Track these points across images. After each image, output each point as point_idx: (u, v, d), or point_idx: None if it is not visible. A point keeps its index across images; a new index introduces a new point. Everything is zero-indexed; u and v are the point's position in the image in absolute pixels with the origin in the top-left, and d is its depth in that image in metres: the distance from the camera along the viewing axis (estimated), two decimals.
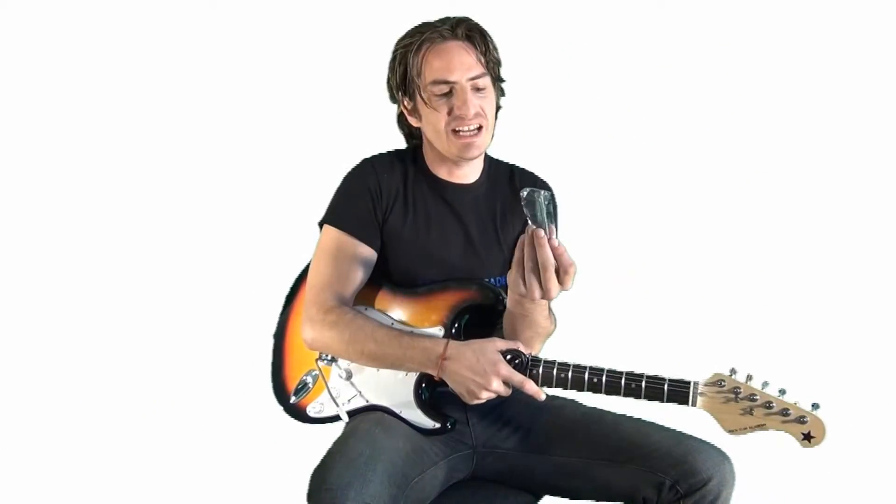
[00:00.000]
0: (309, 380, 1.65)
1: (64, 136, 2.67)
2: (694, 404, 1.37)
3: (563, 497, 1.60)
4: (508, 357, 1.44)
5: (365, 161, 1.67)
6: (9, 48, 2.61)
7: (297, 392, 1.66)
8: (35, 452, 2.51)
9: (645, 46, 2.54)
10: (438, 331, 1.55)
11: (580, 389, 1.43)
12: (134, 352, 2.64)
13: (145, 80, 2.66)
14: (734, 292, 2.43)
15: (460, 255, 1.62)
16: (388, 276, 1.64)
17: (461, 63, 1.54)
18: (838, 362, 2.34)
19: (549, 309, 1.51)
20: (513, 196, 1.67)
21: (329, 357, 1.62)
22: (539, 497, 1.63)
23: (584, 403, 1.62)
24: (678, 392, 1.37)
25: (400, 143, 1.72)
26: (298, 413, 1.66)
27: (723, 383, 1.36)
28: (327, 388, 1.60)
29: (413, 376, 1.56)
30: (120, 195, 2.68)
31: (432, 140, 1.61)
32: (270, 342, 1.73)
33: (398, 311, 1.60)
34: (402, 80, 1.59)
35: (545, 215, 1.32)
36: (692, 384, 1.37)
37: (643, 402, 1.42)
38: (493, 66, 1.58)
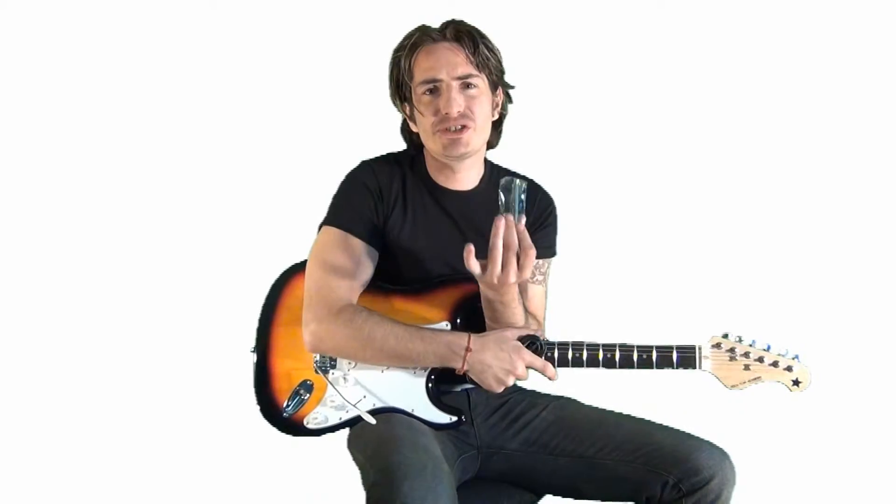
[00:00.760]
0: (302, 391, 1.60)
1: (62, 137, 2.63)
2: (701, 367, 1.50)
3: (566, 496, 1.64)
4: (527, 343, 1.50)
5: (364, 163, 1.65)
6: (9, 48, 2.58)
7: (290, 405, 1.59)
8: (25, 459, 2.49)
9: (644, 47, 2.61)
10: (445, 326, 1.58)
11: (595, 367, 1.51)
12: (124, 355, 2.59)
13: (144, 81, 2.62)
14: (705, 267, 2.55)
15: (456, 258, 1.61)
16: (382, 276, 1.62)
17: (447, 62, 1.55)
18: (807, 321, 2.45)
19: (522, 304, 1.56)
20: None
21: (326, 364, 1.58)
22: (540, 496, 1.68)
23: (584, 403, 1.69)
24: (687, 357, 1.50)
25: (397, 144, 1.70)
26: (292, 426, 1.60)
27: (721, 345, 1.51)
28: (339, 394, 1.56)
29: (422, 375, 1.57)
30: (118, 196, 2.63)
31: (425, 143, 1.62)
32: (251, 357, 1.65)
33: (400, 309, 1.59)
34: (399, 85, 1.60)
35: (517, 202, 1.40)
36: (697, 348, 1.51)
37: (641, 402, 1.53)
38: (488, 68, 1.58)
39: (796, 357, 1.52)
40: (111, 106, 2.62)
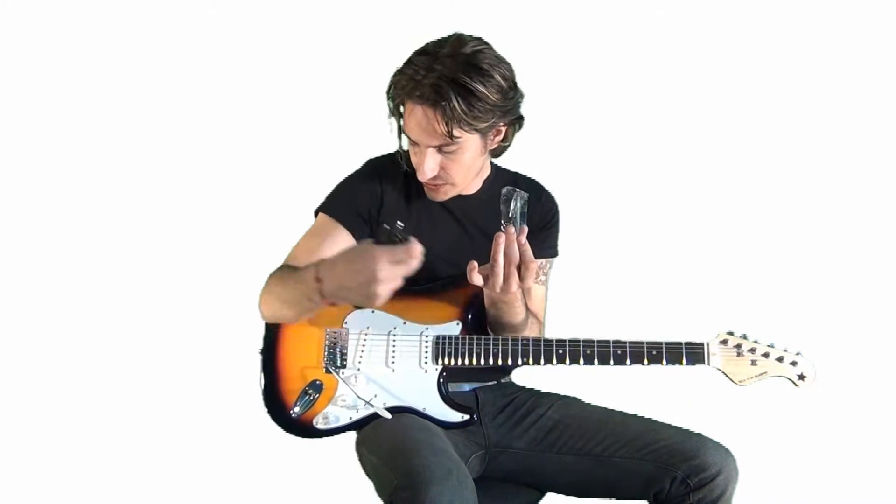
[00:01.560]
0: (311, 391, 1.59)
1: (61, 137, 2.62)
2: (709, 363, 1.53)
3: (573, 495, 1.64)
4: (382, 238, 1.35)
5: (370, 162, 1.66)
6: (9, 48, 2.58)
7: (298, 405, 1.58)
8: (36, 463, 2.49)
9: (647, 46, 2.62)
10: (456, 325, 1.59)
11: (606, 363, 1.53)
12: (132, 358, 2.58)
13: (143, 81, 2.62)
14: (709, 266, 2.57)
15: (462, 255, 1.59)
16: None
17: (423, 129, 1.49)
18: (809, 320, 2.47)
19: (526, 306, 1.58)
20: None
21: (336, 363, 1.57)
22: (544, 493, 1.68)
23: (587, 402, 1.70)
24: (696, 353, 1.53)
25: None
26: (301, 428, 1.59)
27: (727, 341, 1.55)
28: (353, 391, 1.55)
29: (433, 373, 1.57)
30: (122, 197, 2.63)
31: None
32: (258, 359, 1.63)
33: (408, 309, 1.60)
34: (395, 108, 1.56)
35: (518, 215, 1.43)
36: (705, 344, 1.54)
37: (640, 402, 1.55)
38: (477, 121, 1.48)
39: (799, 353, 1.55)
40: (109, 106, 2.62)
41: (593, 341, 1.54)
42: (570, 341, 1.54)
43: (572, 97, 2.57)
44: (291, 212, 1.72)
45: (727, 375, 1.54)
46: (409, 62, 1.51)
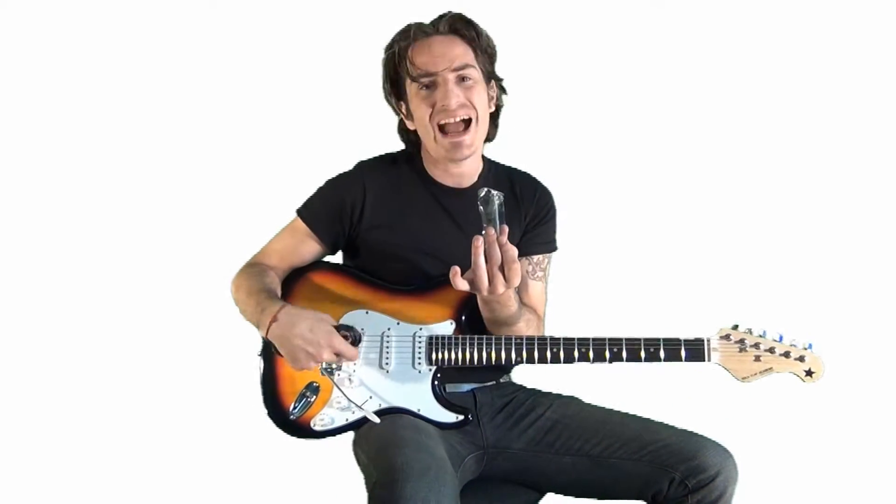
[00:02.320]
0: (308, 393, 1.59)
1: (59, 137, 2.64)
2: (709, 360, 1.47)
3: (572, 495, 1.62)
4: (342, 332, 1.50)
5: (359, 166, 1.65)
6: (9, 48, 2.60)
7: (297, 407, 1.58)
8: (37, 468, 2.51)
9: (641, 40, 2.60)
10: (450, 324, 1.56)
11: (602, 362, 1.49)
12: (131, 362, 2.60)
13: (140, 81, 2.63)
14: (710, 261, 2.53)
15: (456, 254, 1.58)
16: (384, 276, 1.62)
17: (443, 55, 1.54)
18: (821, 310, 2.44)
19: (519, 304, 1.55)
20: (510, 198, 1.66)
21: (332, 366, 1.57)
22: (543, 494, 1.66)
23: (586, 402, 1.67)
24: (695, 350, 1.47)
25: (392, 144, 1.70)
26: (299, 429, 1.59)
27: (730, 336, 1.48)
28: (345, 395, 1.55)
29: (427, 373, 1.55)
30: (121, 199, 2.65)
31: (424, 140, 1.61)
32: (258, 362, 1.64)
33: (402, 309, 1.58)
34: (393, 83, 1.60)
35: (497, 215, 1.39)
36: (706, 340, 1.48)
37: (642, 399, 1.52)
38: (486, 54, 1.58)
39: (809, 346, 1.48)
40: (108, 106, 2.63)
41: (588, 339, 1.50)
42: (564, 339, 1.50)
43: (571, 93, 2.55)
44: (289, 213, 1.71)
45: (729, 372, 1.48)
46: (405, 27, 1.58)
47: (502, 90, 1.66)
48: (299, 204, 1.69)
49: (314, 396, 1.59)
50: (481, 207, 1.39)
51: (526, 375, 1.74)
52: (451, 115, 1.55)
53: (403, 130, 1.69)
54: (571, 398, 1.68)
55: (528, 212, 1.69)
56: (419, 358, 1.55)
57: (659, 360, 1.48)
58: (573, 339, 1.50)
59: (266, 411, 1.61)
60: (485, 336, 1.54)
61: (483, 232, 1.38)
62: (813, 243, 2.54)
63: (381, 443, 1.43)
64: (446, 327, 1.56)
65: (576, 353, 1.49)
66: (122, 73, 2.63)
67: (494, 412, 1.65)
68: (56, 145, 2.64)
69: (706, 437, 1.51)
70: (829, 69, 2.57)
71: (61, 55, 2.61)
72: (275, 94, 2.61)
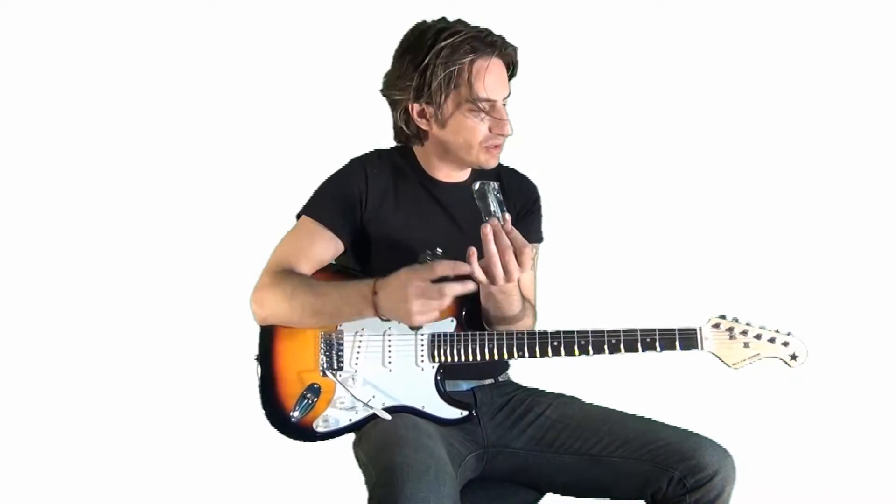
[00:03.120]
0: (309, 394, 1.59)
1: (57, 138, 2.63)
2: (702, 348, 1.54)
3: (571, 494, 1.64)
4: (426, 256, 1.49)
5: (354, 161, 1.66)
6: (9, 48, 2.59)
7: (298, 410, 1.58)
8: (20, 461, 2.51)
9: (637, 38, 2.64)
10: (451, 322, 1.59)
11: (601, 353, 1.54)
12: (129, 366, 2.59)
13: (139, 80, 2.62)
14: (699, 254, 2.58)
15: (455, 247, 1.60)
16: (379, 273, 1.62)
17: (503, 84, 1.59)
18: (815, 307, 2.49)
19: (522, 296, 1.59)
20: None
21: (333, 365, 1.58)
22: (543, 493, 1.69)
23: (585, 401, 1.71)
24: (689, 338, 1.53)
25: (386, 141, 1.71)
26: (302, 432, 1.60)
27: (719, 325, 1.56)
28: (350, 393, 1.56)
29: (430, 371, 1.58)
30: (120, 199, 2.63)
31: (455, 149, 1.61)
32: (255, 366, 1.63)
33: None
34: (429, 84, 1.54)
35: (497, 204, 1.43)
36: (698, 329, 1.55)
37: (641, 398, 1.56)
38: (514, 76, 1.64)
39: (790, 333, 1.57)
40: (107, 106, 2.62)
41: (587, 332, 1.54)
42: (564, 332, 1.55)
43: (562, 86, 2.58)
44: (287, 215, 1.71)
45: (720, 359, 1.55)
46: (452, 29, 1.53)
47: None
48: (298, 208, 1.67)
49: (315, 398, 1.59)
50: (479, 203, 1.43)
51: (525, 375, 1.78)
52: (501, 141, 1.60)
53: (406, 122, 1.63)
54: (571, 398, 1.71)
55: (517, 204, 1.73)
56: (421, 356, 1.58)
57: (655, 349, 1.53)
58: (573, 332, 1.55)
59: (266, 416, 1.60)
60: (486, 332, 1.58)
61: (487, 223, 1.40)
62: (797, 238, 2.60)
63: (381, 443, 1.45)
64: (447, 325, 1.58)
65: (576, 346, 1.54)
66: (122, 72, 2.61)
67: (494, 411, 1.69)
68: (54, 146, 2.62)
69: (705, 436, 1.55)
70: (829, 69, 2.63)
71: (61, 55, 2.60)
72: (264, 96, 2.62)
